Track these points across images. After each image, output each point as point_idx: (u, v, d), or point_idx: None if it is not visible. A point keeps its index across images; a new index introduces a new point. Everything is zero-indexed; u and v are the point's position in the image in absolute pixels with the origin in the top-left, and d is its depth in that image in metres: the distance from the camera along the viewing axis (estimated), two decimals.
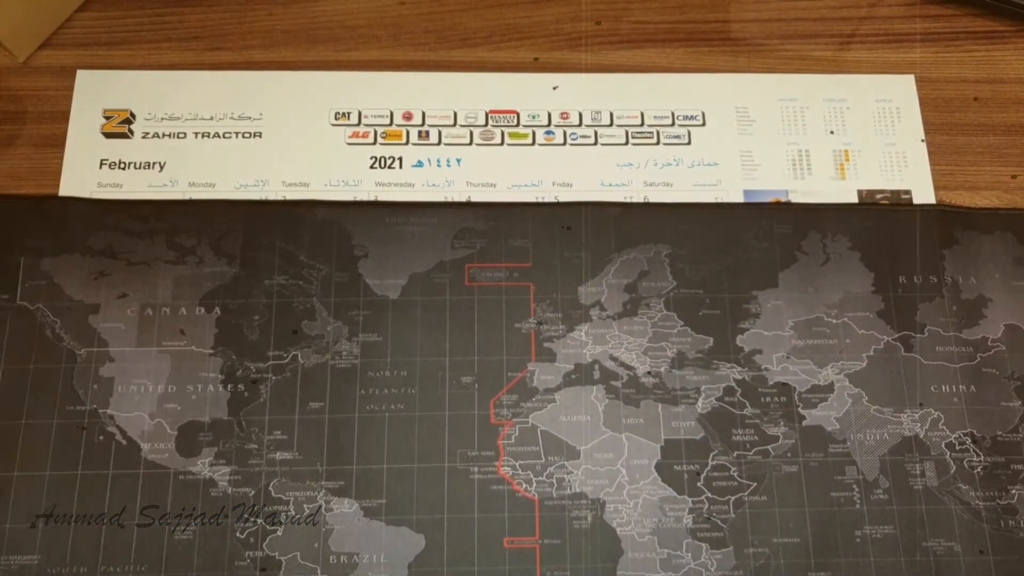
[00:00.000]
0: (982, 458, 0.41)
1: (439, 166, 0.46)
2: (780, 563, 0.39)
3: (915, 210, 0.45)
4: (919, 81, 0.48)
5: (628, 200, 0.45)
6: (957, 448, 0.41)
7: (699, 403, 0.42)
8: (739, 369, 0.42)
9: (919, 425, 0.42)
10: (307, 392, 0.41)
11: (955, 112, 0.48)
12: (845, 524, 0.40)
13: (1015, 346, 0.43)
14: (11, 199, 0.44)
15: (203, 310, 0.42)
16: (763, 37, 0.49)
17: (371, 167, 0.46)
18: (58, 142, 0.45)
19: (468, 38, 0.49)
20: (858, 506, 0.40)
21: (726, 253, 0.44)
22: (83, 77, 0.47)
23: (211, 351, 0.42)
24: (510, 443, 0.41)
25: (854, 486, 0.41)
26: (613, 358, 0.42)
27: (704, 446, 0.41)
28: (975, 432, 0.42)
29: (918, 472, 0.41)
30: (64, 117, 0.46)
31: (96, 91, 0.46)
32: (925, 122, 0.48)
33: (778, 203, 0.46)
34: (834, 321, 0.43)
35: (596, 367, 0.42)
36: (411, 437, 0.41)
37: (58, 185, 0.44)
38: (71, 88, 0.46)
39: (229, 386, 0.41)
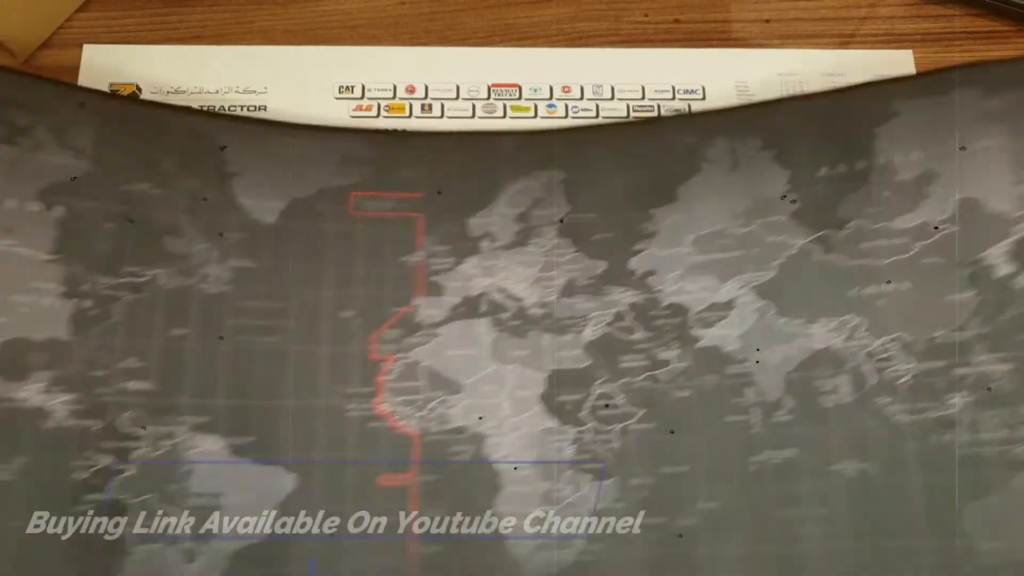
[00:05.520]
0: (913, 366, 0.37)
1: None
2: (667, 494, 0.36)
3: (844, 91, 0.42)
4: None
5: (525, 129, 0.44)
6: (880, 357, 0.37)
7: (587, 330, 0.39)
8: (631, 293, 0.39)
9: (836, 334, 0.37)
10: (169, 317, 0.38)
11: None
12: (740, 451, 0.36)
13: (971, 225, 0.38)
14: None
15: (41, 206, 0.38)
16: (763, 37, 0.48)
17: None
18: None
19: (468, 38, 0.48)
20: (755, 430, 0.37)
21: (625, 173, 0.41)
22: (89, 52, 0.47)
23: (50, 257, 0.38)
24: (391, 379, 0.38)
25: (753, 408, 0.37)
26: (501, 290, 0.40)
27: (589, 375, 0.38)
28: (905, 336, 0.37)
29: (829, 388, 0.37)
30: None
31: (103, 66, 0.46)
32: None
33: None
34: (741, 231, 0.39)
35: (484, 300, 0.40)
36: (284, 372, 0.38)
37: None
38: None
39: (73, 301, 0.37)
